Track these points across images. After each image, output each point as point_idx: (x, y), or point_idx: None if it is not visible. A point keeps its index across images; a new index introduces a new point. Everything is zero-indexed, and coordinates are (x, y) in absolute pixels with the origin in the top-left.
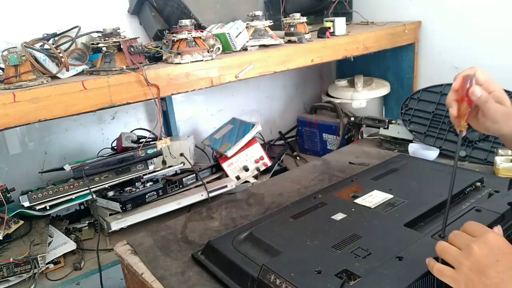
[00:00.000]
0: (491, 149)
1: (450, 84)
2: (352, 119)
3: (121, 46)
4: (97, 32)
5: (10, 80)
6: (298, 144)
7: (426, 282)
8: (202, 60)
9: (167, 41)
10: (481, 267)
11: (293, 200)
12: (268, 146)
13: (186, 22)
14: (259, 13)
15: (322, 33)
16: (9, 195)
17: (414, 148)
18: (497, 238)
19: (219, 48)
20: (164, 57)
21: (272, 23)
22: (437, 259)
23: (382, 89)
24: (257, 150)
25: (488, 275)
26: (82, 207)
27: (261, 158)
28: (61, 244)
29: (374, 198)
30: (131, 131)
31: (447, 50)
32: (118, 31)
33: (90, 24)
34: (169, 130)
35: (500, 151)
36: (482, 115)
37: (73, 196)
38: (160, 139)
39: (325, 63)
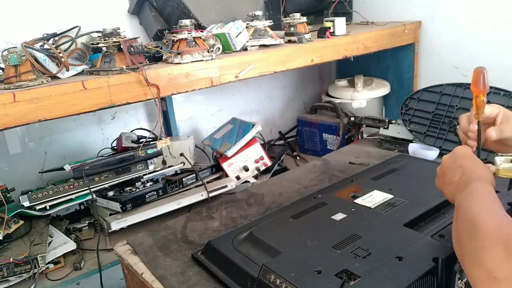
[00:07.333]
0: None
1: (450, 84)
2: (352, 119)
3: (121, 46)
4: (97, 32)
5: (10, 80)
6: (298, 144)
7: (426, 282)
8: (202, 60)
9: (167, 41)
10: (443, 168)
11: (293, 200)
12: (268, 146)
13: (186, 22)
14: (259, 13)
15: (322, 33)
16: (9, 195)
17: (414, 148)
18: (461, 148)
19: (219, 48)
20: (164, 57)
21: (272, 23)
22: (436, 259)
23: (382, 89)
24: (257, 150)
25: (447, 173)
26: (82, 207)
27: (261, 158)
28: (61, 244)
29: (374, 198)
30: (131, 131)
31: (447, 50)
32: (118, 31)
33: (90, 24)
34: (169, 130)
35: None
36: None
37: (73, 196)
38: (160, 139)
39: (325, 63)
